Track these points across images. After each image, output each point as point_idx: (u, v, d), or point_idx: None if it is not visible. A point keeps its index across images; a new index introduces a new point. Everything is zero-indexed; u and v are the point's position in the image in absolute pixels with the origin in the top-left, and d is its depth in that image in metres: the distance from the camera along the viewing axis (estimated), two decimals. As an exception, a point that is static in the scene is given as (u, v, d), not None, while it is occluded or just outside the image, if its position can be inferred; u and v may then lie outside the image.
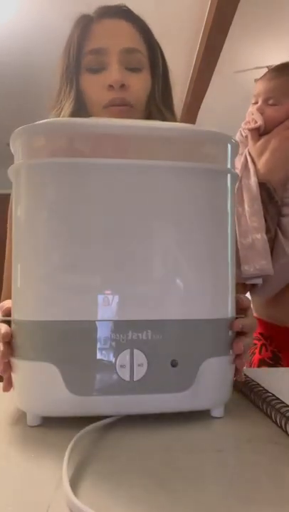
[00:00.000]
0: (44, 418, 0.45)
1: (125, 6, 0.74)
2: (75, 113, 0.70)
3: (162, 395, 0.44)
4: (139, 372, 0.43)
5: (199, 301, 0.45)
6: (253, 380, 0.54)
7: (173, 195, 0.45)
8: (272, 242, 0.88)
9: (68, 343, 0.42)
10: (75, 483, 0.33)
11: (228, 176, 0.48)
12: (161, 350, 0.43)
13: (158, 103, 0.74)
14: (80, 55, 0.70)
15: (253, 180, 0.89)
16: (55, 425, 0.44)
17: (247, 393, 0.53)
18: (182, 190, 0.46)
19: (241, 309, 0.51)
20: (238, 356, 0.49)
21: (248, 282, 0.88)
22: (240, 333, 0.49)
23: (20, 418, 0.47)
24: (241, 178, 0.91)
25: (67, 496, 0.30)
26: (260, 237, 0.86)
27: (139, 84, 0.71)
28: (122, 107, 0.69)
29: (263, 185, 0.89)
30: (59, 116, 0.71)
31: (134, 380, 0.43)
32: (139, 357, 0.43)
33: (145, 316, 0.43)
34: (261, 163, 0.92)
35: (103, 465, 0.37)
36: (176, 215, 0.45)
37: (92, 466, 0.36)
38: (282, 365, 0.95)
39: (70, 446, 0.37)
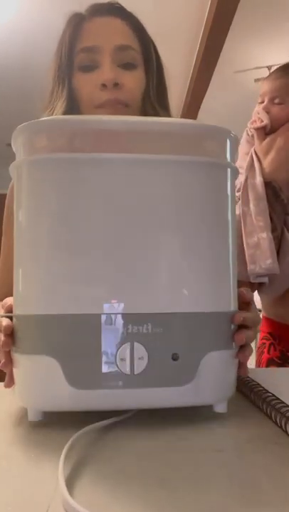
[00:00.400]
0: (46, 418, 0.45)
1: (118, 3, 0.73)
2: (67, 113, 0.69)
3: (163, 388, 0.43)
4: (140, 366, 0.42)
5: (200, 294, 0.45)
6: (253, 380, 0.54)
7: (173, 190, 0.45)
8: (279, 241, 0.88)
9: (68, 337, 0.42)
10: (73, 484, 0.33)
11: (228, 170, 0.48)
12: (162, 344, 0.43)
13: (153, 101, 0.73)
14: (72, 54, 0.69)
15: (259, 180, 0.90)
16: (56, 425, 0.44)
17: (247, 393, 0.53)
18: (182, 184, 0.45)
19: (243, 303, 0.51)
20: (240, 349, 0.48)
21: (255, 281, 0.89)
22: (242, 327, 0.48)
23: (21, 418, 0.47)
24: (247, 178, 0.92)
25: (63, 496, 0.30)
26: (265, 236, 0.86)
27: (133, 82, 0.70)
28: (116, 108, 0.67)
29: (268, 184, 0.89)
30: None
31: (135, 373, 0.42)
32: (140, 350, 0.42)
33: (145, 309, 0.43)
34: (267, 162, 0.92)
35: (102, 465, 0.37)
36: (176, 209, 0.45)
37: (92, 467, 0.36)
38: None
39: (66, 446, 0.37)
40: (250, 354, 0.49)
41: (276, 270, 0.85)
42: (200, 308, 0.45)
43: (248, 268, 0.86)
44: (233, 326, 0.47)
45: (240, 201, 0.91)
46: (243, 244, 0.88)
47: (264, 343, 1.02)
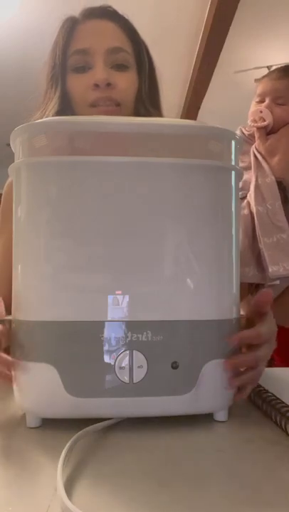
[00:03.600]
0: (45, 419, 0.45)
1: (110, 7, 0.75)
2: (59, 113, 0.70)
3: (163, 397, 0.43)
4: (139, 374, 0.42)
5: (201, 301, 0.44)
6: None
7: (177, 193, 0.44)
8: None
9: (67, 344, 0.42)
10: (73, 484, 0.33)
11: (233, 173, 0.48)
12: (162, 352, 0.43)
13: (145, 102, 0.75)
14: (65, 56, 0.71)
15: (271, 179, 0.90)
16: (57, 426, 0.44)
17: (247, 393, 0.53)
18: (186, 187, 0.45)
19: (261, 313, 0.48)
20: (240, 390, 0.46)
21: (271, 283, 0.88)
22: (251, 345, 0.46)
23: (21, 419, 0.47)
24: (257, 178, 0.92)
25: (61, 499, 0.30)
26: (286, 236, 0.86)
27: (126, 83, 0.71)
28: (108, 108, 0.69)
29: (279, 184, 0.89)
30: (43, 117, 0.71)
31: (134, 382, 0.42)
32: (139, 358, 0.42)
33: (145, 316, 0.43)
34: (275, 162, 0.92)
35: (103, 465, 0.37)
36: (179, 214, 0.44)
37: (92, 467, 0.36)
38: (275, 366, 0.95)
39: (66, 447, 0.37)
40: (257, 376, 0.47)
41: None
42: (201, 316, 0.44)
43: (270, 269, 0.85)
44: (235, 333, 0.46)
45: (248, 201, 0.91)
46: (254, 246, 0.88)
47: None
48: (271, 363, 0.95)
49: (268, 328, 0.47)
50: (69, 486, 0.33)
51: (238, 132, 1.03)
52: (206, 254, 0.45)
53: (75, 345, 0.42)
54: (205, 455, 0.39)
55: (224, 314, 0.46)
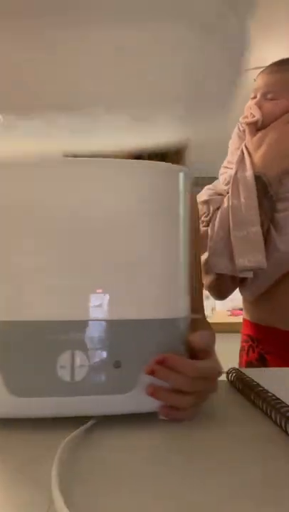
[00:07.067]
0: (40, 419, 0.44)
1: None
2: None
3: (104, 396, 0.43)
4: (80, 373, 0.42)
5: (143, 300, 0.44)
6: (253, 380, 0.54)
7: (119, 193, 0.44)
8: (264, 238, 0.89)
9: (8, 344, 0.42)
10: (72, 485, 0.33)
11: (181, 174, 0.47)
12: (104, 351, 0.42)
13: None
14: None
15: (249, 173, 0.89)
16: (55, 426, 0.44)
17: (247, 393, 0.53)
18: (130, 187, 0.44)
19: (196, 351, 0.45)
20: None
21: (240, 275, 0.89)
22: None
23: (19, 419, 0.47)
24: (237, 171, 0.92)
25: (57, 501, 0.30)
26: (255, 230, 0.85)
27: None
28: None
29: (258, 179, 0.89)
30: None
31: (75, 381, 0.42)
32: (80, 358, 0.42)
33: (87, 315, 0.42)
34: (258, 156, 0.91)
35: (101, 466, 0.36)
36: (123, 213, 0.44)
37: (90, 468, 0.36)
38: (268, 366, 0.95)
39: (60, 449, 0.36)
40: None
41: (264, 265, 0.84)
42: (142, 316, 0.44)
43: (236, 261, 0.85)
44: (181, 332, 0.46)
45: (229, 194, 0.91)
46: (227, 238, 0.88)
47: (244, 346, 1.02)
48: (264, 364, 0.95)
49: (208, 366, 0.45)
50: (68, 486, 0.32)
51: (235, 129, 1.03)
52: (151, 253, 0.45)
53: (16, 345, 0.42)
54: (204, 455, 0.38)
55: (170, 313, 0.45)
